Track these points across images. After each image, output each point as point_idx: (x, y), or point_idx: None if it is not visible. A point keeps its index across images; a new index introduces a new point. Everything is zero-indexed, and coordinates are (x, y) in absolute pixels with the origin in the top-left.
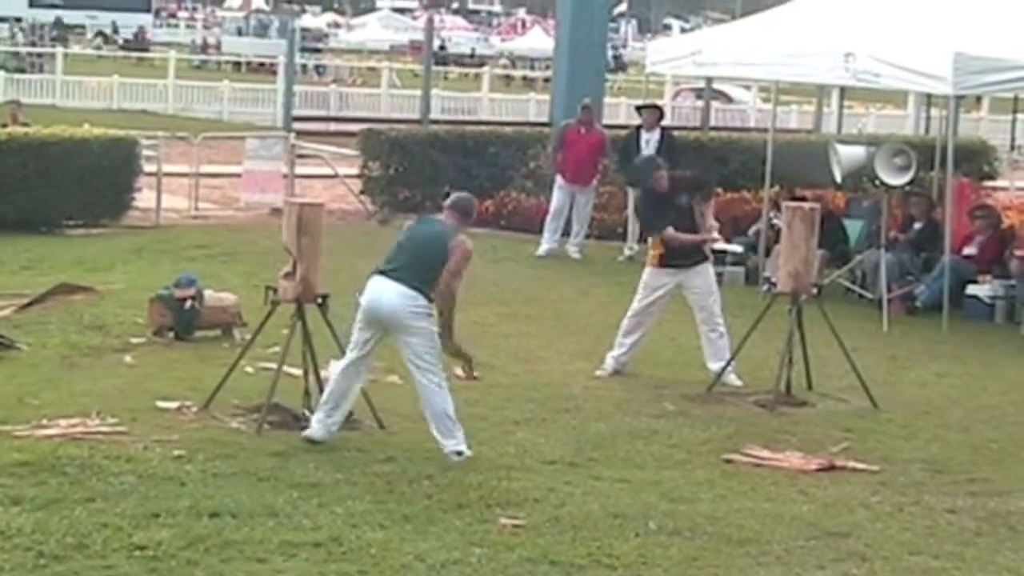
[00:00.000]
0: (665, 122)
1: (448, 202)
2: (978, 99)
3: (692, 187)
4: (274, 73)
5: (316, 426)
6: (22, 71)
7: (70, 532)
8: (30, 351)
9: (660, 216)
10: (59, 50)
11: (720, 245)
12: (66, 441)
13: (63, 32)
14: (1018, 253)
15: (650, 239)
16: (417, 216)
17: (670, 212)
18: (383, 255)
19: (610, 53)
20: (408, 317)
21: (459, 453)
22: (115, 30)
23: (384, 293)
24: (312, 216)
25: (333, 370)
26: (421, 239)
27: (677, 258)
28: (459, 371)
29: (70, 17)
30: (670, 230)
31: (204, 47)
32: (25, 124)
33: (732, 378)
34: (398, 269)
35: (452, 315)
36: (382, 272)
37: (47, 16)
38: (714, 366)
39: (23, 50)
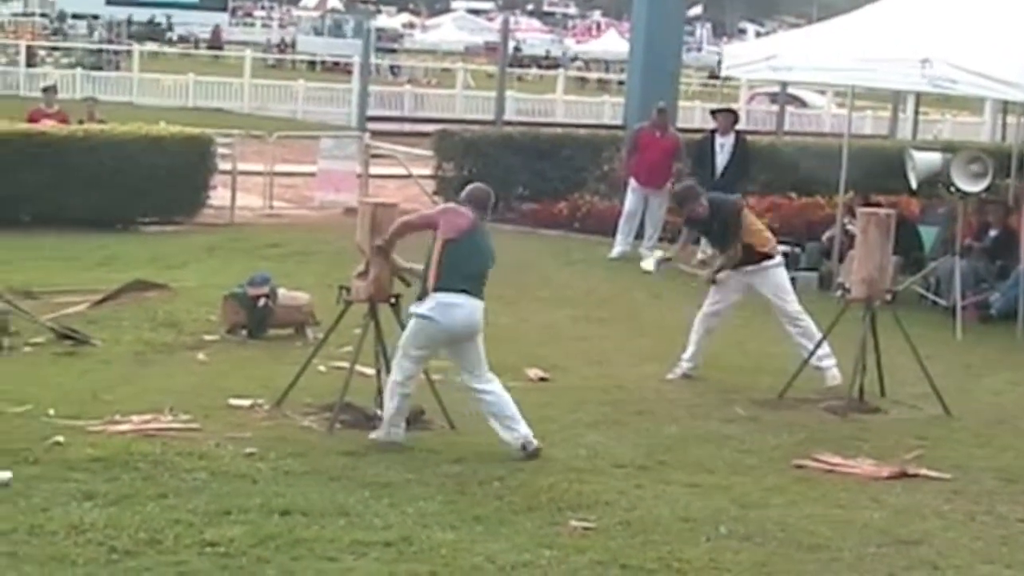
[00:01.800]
0: (739, 126)
1: (469, 197)
2: None
3: (722, 207)
4: (349, 73)
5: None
6: (99, 68)
7: (142, 528)
8: (104, 347)
9: (725, 235)
10: (135, 47)
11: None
12: (139, 437)
13: (147, 31)
14: None
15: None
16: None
17: (725, 228)
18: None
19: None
20: (479, 331)
21: (526, 445)
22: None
23: (471, 312)
24: (386, 216)
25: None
26: (488, 256)
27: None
28: (536, 372)
29: (145, 15)
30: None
31: (280, 46)
32: (101, 121)
33: (833, 373)
34: (476, 287)
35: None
36: (465, 291)
37: (124, 14)
38: (822, 363)
39: (100, 47)
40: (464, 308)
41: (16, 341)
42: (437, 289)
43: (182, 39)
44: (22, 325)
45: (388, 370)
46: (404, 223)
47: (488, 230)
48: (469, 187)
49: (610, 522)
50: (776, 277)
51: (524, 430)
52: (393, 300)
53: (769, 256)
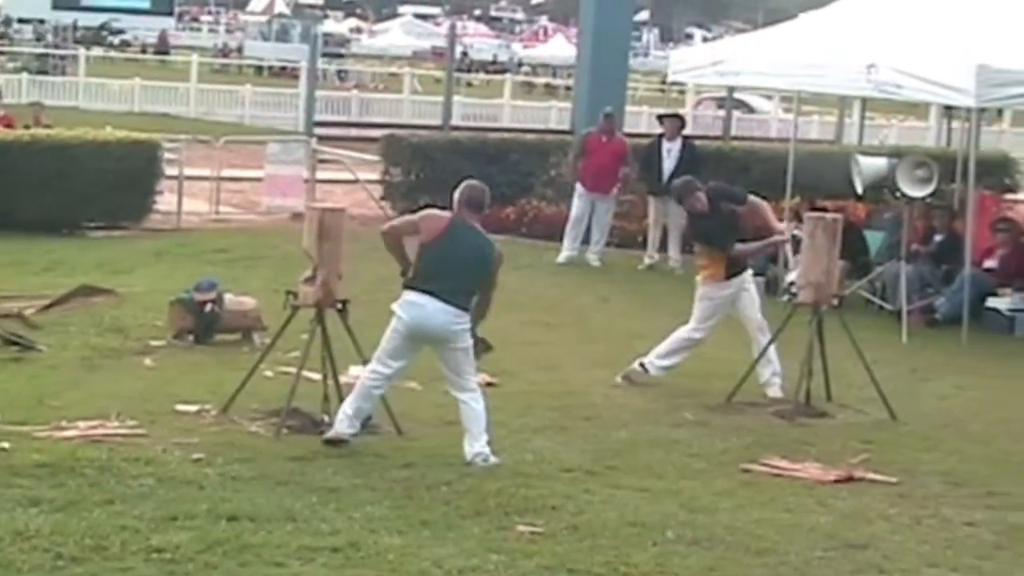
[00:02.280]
0: (686, 131)
1: (460, 197)
2: (1000, 112)
3: (726, 196)
4: (296, 78)
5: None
6: (45, 73)
7: (88, 534)
8: (50, 352)
9: (725, 233)
10: (81, 52)
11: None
12: (85, 443)
13: (94, 35)
14: None
15: (677, 251)
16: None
17: (724, 225)
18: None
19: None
20: (452, 335)
21: (484, 457)
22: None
23: (431, 313)
24: (333, 221)
25: (356, 374)
26: (468, 256)
27: (737, 268)
28: (483, 378)
29: (91, 20)
30: (739, 245)
31: (227, 51)
32: (47, 126)
33: (775, 389)
34: (447, 289)
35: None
36: (428, 291)
37: (71, 18)
38: (764, 372)
39: (46, 52)
40: (425, 308)
41: None
42: (407, 287)
43: (125, 43)
44: None
45: (335, 375)
46: (392, 227)
47: (477, 230)
48: (462, 185)
49: (558, 527)
50: (756, 287)
51: (480, 448)
52: (340, 305)
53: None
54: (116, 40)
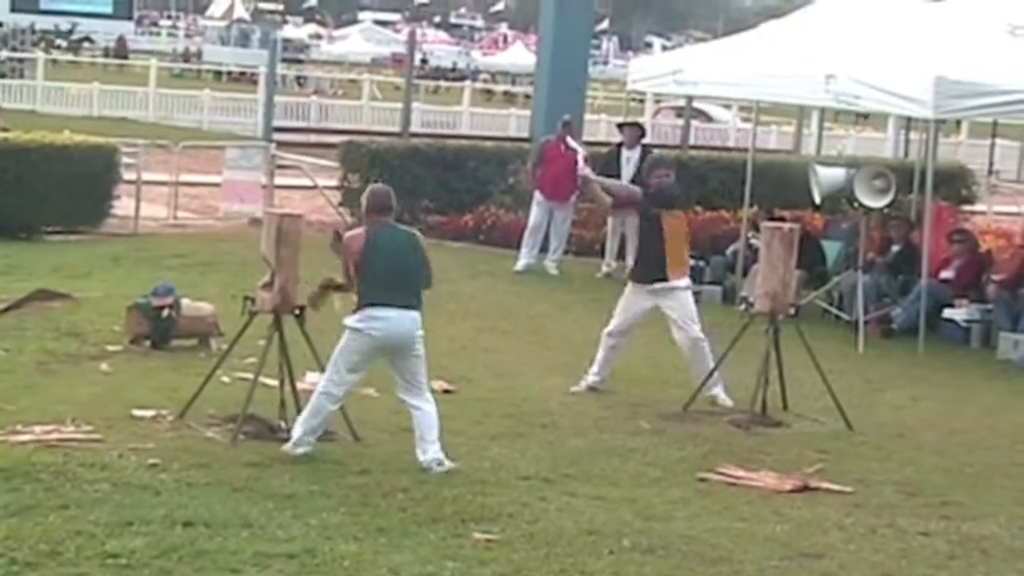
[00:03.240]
0: (645, 140)
1: (367, 205)
2: (957, 123)
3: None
4: (255, 83)
5: (292, 444)
6: (2, 76)
7: (43, 539)
8: (6, 356)
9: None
10: (40, 56)
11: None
12: (41, 448)
13: (47, 37)
14: (995, 278)
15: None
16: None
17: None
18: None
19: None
20: (414, 340)
21: (439, 462)
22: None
23: (399, 325)
24: (291, 227)
25: (312, 382)
26: (409, 257)
27: (639, 274)
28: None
29: (46, 23)
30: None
31: (186, 56)
32: (4, 129)
33: (723, 398)
34: (406, 294)
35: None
36: (388, 304)
37: (28, 21)
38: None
39: (2, 55)
40: (390, 320)
41: None
42: (365, 304)
43: (86, 39)
44: None
45: (292, 381)
46: (346, 275)
47: (393, 226)
48: (366, 192)
49: (514, 534)
50: (686, 301)
51: (433, 454)
52: (298, 311)
53: (681, 276)
54: (75, 38)
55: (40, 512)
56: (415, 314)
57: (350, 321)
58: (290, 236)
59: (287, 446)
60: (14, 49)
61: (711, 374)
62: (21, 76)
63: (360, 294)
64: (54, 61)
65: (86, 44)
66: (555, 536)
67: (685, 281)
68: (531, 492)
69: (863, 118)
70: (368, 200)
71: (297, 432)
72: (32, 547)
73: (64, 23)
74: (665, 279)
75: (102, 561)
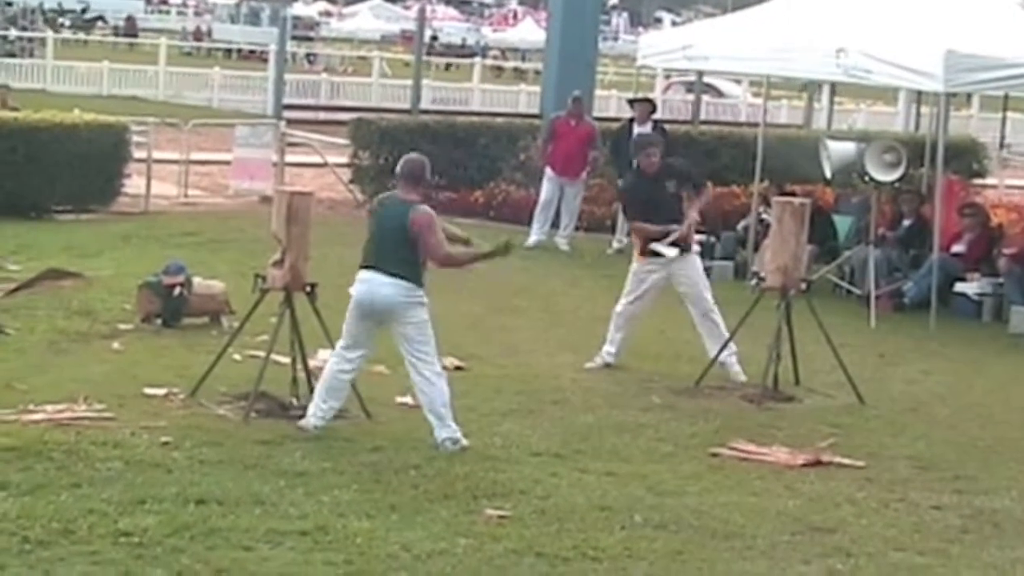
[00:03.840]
0: (656, 116)
1: (399, 171)
2: (968, 97)
3: (681, 176)
4: (265, 61)
5: (312, 419)
6: (12, 56)
7: (56, 518)
8: (17, 336)
9: (640, 202)
10: (49, 35)
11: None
12: (53, 427)
13: (54, 16)
14: (1006, 251)
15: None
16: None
17: (654, 197)
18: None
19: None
20: (401, 307)
21: (455, 441)
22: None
23: (376, 287)
24: (301, 205)
25: (325, 359)
26: (387, 225)
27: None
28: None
29: (56, 2)
30: (638, 222)
31: (196, 34)
32: (14, 109)
33: (737, 370)
34: (381, 261)
35: (466, 259)
36: (369, 266)
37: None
38: (721, 355)
39: (13, 34)
40: (369, 282)
41: None
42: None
43: (86, 23)
44: None
45: (303, 359)
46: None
47: (403, 199)
48: (401, 161)
49: (526, 510)
50: (697, 266)
51: (448, 433)
52: (309, 288)
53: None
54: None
55: (52, 491)
56: (399, 281)
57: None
58: (300, 214)
59: (303, 421)
60: (24, 29)
61: (723, 347)
62: (31, 55)
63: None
64: (64, 40)
65: (100, 24)
66: (567, 512)
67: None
68: (543, 468)
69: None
70: (401, 167)
71: (314, 408)
72: (44, 525)
73: (74, 2)
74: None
75: (115, 539)
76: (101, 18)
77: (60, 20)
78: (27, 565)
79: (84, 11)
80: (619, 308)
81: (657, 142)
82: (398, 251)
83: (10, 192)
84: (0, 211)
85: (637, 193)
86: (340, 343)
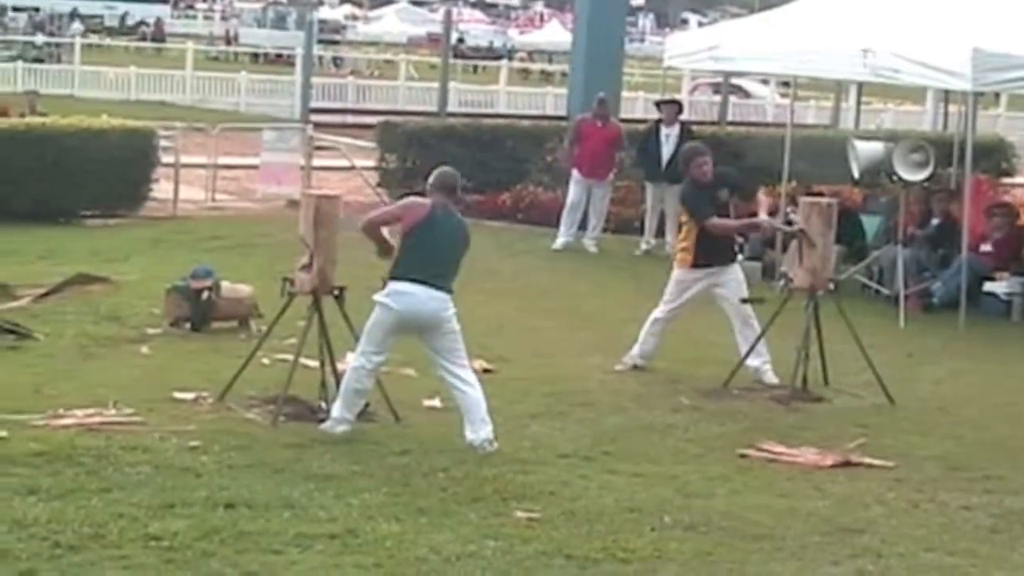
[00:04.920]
0: (683, 117)
1: (435, 183)
2: (996, 96)
3: (734, 184)
4: (291, 65)
5: (331, 422)
6: (40, 61)
7: (86, 522)
8: (47, 341)
9: (706, 205)
10: (77, 40)
11: (769, 222)
12: (82, 431)
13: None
14: None
15: (675, 236)
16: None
17: (712, 204)
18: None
19: None
20: (443, 320)
21: (491, 443)
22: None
23: (423, 301)
24: (329, 208)
25: (350, 361)
26: (453, 242)
27: (710, 258)
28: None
29: (87, 7)
30: (715, 219)
31: (222, 39)
32: (43, 114)
33: (770, 376)
34: (436, 275)
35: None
36: (422, 281)
37: (65, 6)
38: (753, 362)
39: (40, 40)
40: (416, 296)
41: None
42: (393, 278)
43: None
44: None
45: (332, 362)
46: (371, 221)
47: (452, 211)
48: (435, 171)
49: (555, 512)
50: (740, 275)
51: (485, 435)
52: (337, 292)
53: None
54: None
55: (82, 495)
56: (443, 295)
57: (379, 296)
58: (328, 217)
59: (325, 424)
60: (51, 34)
61: (752, 348)
62: (59, 61)
63: (396, 264)
64: (90, 45)
65: (141, 29)
66: (596, 514)
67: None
68: (571, 470)
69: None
70: (436, 177)
71: (336, 411)
72: (75, 530)
73: (99, 7)
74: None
75: (145, 543)
76: (143, 23)
77: (97, 25)
78: (58, 570)
79: (124, 17)
80: (658, 314)
81: (707, 151)
82: (453, 265)
83: (38, 197)
84: (29, 216)
85: (701, 197)
86: (363, 348)
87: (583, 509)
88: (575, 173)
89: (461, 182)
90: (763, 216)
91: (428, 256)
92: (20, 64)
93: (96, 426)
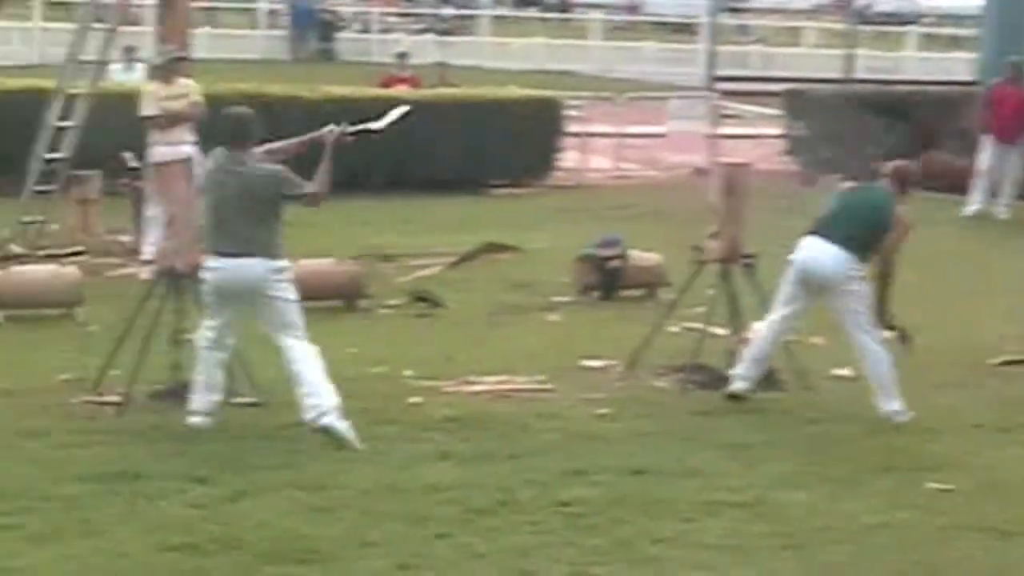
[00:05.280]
0: None
1: (890, 168)
2: None
3: None
4: (696, 33)
5: (736, 382)
6: (448, 33)
7: (497, 487)
8: (457, 309)
9: None
10: (484, 12)
11: None
12: (493, 398)
13: None
14: None
15: None
16: (846, 177)
17: None
18: (812, 216)
19: None
20: (842, 281)
21: (902, 412)
22: None
23: (820, 255)
24: (739, 176)
25: (757, 329)
26: (867, 205)
27: None
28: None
29: None
30: None
31: (627, 8)
32: (453, 85)
33: None
34: (837, 233)
35: (888, 287)
36: (818, 233)
37: None
38: None
39: (448, 12)
40: (808, 249)
41: (373, 303)
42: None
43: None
44: (378, 287)
45: (741, 331)
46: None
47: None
48: (896, 163)
49: (967, 484)
50: None
51: (896, 406)
52: (746, 260)
53: None
54: None
55: (494, 461)
56: (842, 252)
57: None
58: (738, 185)
59: (730, 387)
60: (459, 7)
61: None
62: (467, 33)
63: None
64: (497, 17)
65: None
66: (1011, 486)
67: None
68: (984, 441)
69: None
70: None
71: (741, 369)
72: (487, 495)
73: None
74: None
75: (555, 509)
76: None
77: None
78: (470, 533)
79: None
80: None
81: None
82: (860, 230)
83: (448, 168)
84: (438, 186)
85: None
86: (774, 309)
87: (997, 481)
88: (987, 138)
89: (915, 180)
90: None
91: (830, 213)
92: (430, 36)
93: (506, 393)
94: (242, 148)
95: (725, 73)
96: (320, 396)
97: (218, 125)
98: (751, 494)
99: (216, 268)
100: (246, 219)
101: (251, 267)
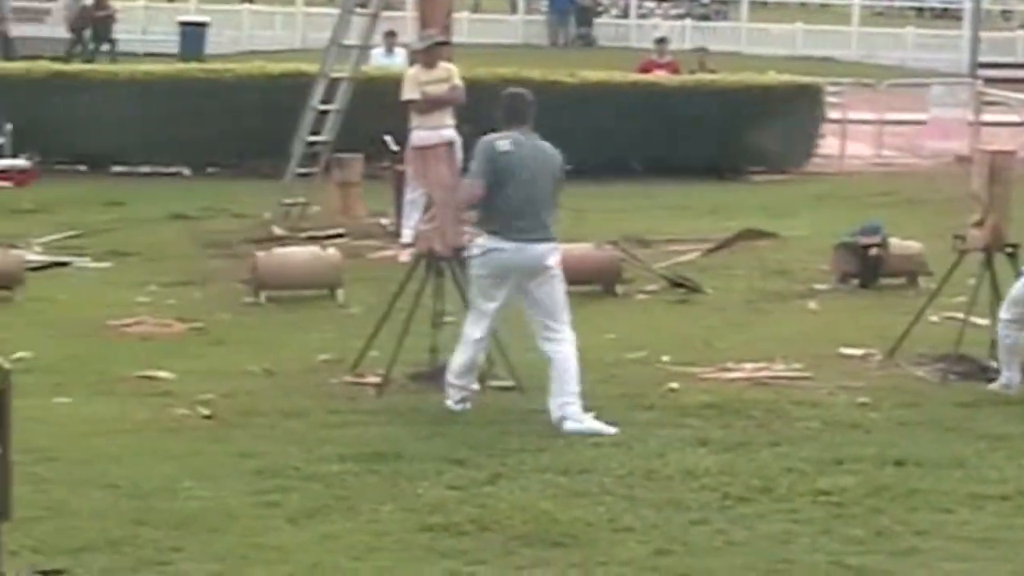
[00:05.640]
0: None
1: None
2: None
3: None
4: (958, 19)
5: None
6: (706, 19)
7: (755, 475)
8: (715, 295)
9: None
10: None
11: None
12: (751, 385)
13: None
14: None
15: None
16: None
17: None
18: None
19: None
20: None
21: None
22: None
23: None
24: (1004, 164)
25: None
26: None
27: None
28: None
29: None
30: None
31: None
32: (712, 71)
33: None
34: None
35: None
36: None
37: None
38: None
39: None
40: None
41: (630, 288)
42: None
43: None
44: (636, 273)
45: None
46: None
47: None
48: None
49: None
50: None
51: None
52: (1011, 249)
53: None
54: None
55: (752, 448)
56: None
57: None
58: (1003, 173)
59: (995, 384)
60: None
61: None
62: (725, 18)
63: None
64: (757, 2)
65: None
66: None
67: None
68: None
69: None
70: None
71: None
72: (744, 482)
73: None
74: None
75: (814, 498)
76: None
77: None
78: (728, 520)
79: None
80: None
81: None
82: None
83: (706, 153)
84: (696, 172)
85: None
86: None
87: None
88: None
89: None
90: None
91: None
92: (688, 22)
93: (765, 380)
94: (529, 128)
95: (988, 60)
96: (564, 395)
97: (499, 105)
98: (1014, 487)
99: (504, 249)
100: (550, 200)
101: (541, 250)
